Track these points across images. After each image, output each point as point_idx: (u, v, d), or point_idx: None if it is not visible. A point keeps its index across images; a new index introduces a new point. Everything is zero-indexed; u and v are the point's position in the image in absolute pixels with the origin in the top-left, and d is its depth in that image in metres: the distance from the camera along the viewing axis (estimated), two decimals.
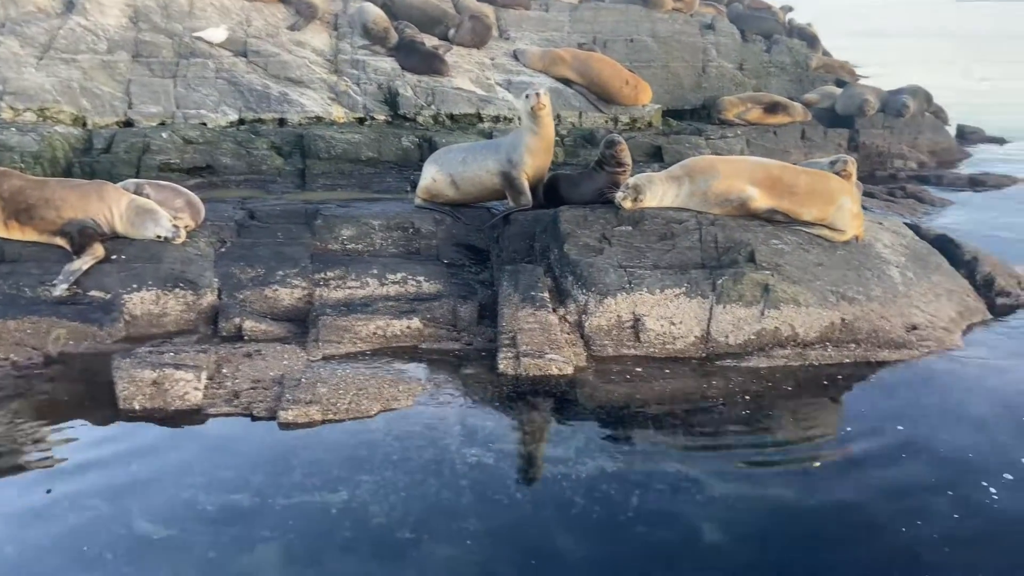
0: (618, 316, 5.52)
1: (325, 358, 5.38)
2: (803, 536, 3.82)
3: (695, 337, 5.48)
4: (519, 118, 10.43)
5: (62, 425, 4.65)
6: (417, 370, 5.28)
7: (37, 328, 5.35)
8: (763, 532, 3.83)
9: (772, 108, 11.48)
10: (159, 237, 6.06)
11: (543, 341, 5.31)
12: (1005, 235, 8.61)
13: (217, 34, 10.53)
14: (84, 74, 9.71)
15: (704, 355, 5.47)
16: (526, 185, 6.89)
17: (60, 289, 5.66)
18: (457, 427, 4.64)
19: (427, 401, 4.88)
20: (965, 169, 12.14)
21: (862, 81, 15.25)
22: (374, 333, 5.62)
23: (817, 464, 4.37)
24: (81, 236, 5.90)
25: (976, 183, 10.95)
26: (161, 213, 6.12)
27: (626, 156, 6.58)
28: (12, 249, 5.96)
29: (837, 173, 6.37)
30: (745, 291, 5.48)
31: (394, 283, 6.26)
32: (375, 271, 6.32)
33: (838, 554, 3.70)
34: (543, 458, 4.45)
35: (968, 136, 14.64)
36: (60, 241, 5.94)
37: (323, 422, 4.61)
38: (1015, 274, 6.78)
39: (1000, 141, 14.71)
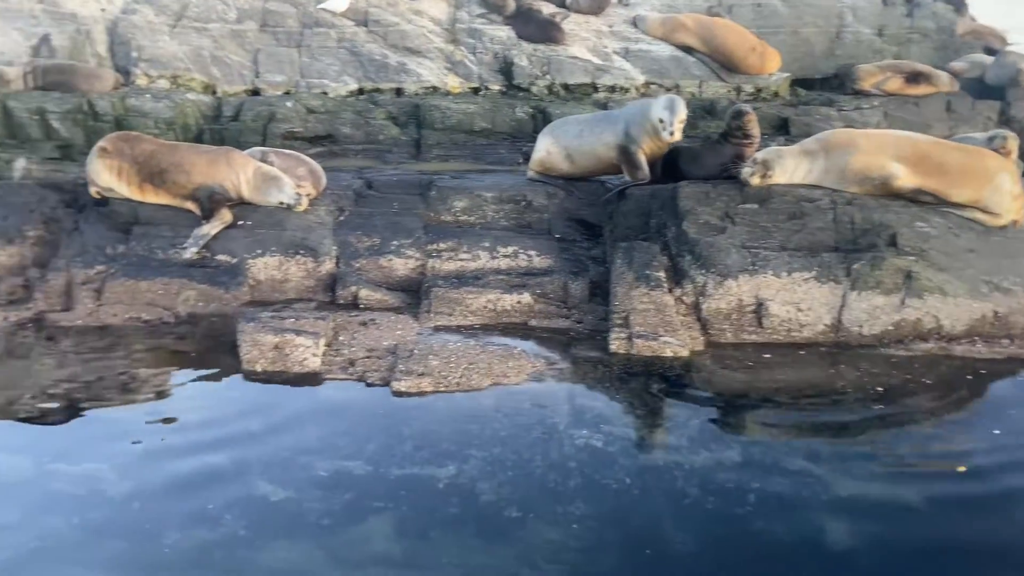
0: (739, 299, 5.24)
1: (436, 329, 5.38)
2: (938, 547, 3.51)
3: (824, 325, 5.13)
4: (637, 88, 10.14)
5: (189, 382, 4.87)
6: (527, 347, 5.20)
7: (168, 289, 5.61)
8: (893, 539, 3.55)
9: (914, 78, 10.58)
10: (282, 204, 6.22)
11: (657, 322, 5.11)
12: None
13: (340, 4, 10.69)
14: (215, 42, 10.10)
15: (834, 344, 5.12)
16: (643, 160, 6.63)
17: (190, 252, 5.90)
18: (566, 407, 4.54)
19: (537, 379, 4.80)
20: None
21: (1013, 48, 13.88)
22: (484, 307, 5.58)
23: (962, 468, 3.99)
24: (211, 201, 6.12)
25: None
26: (285, 180, 6.27)
27: (755, 128, 6.20)
28: (145, 212, 6.26)
29: (995, 150, 5.77)
30: (884, 277, 5.06)
31: (505, 256, 6.19)
32: (486, 244, 6.27)
33: (979, 573, 3.37)
34: (655, 444, 4.29)
35: None
36: (190, 205, 6.19)
37: (434, 393, 4.61)
38: None
39: None
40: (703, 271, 5.33)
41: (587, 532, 3.56)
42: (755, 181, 5.57)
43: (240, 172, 6.24)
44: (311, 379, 4.80)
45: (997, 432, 4.25)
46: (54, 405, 4.54)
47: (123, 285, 5.57)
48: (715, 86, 10.35)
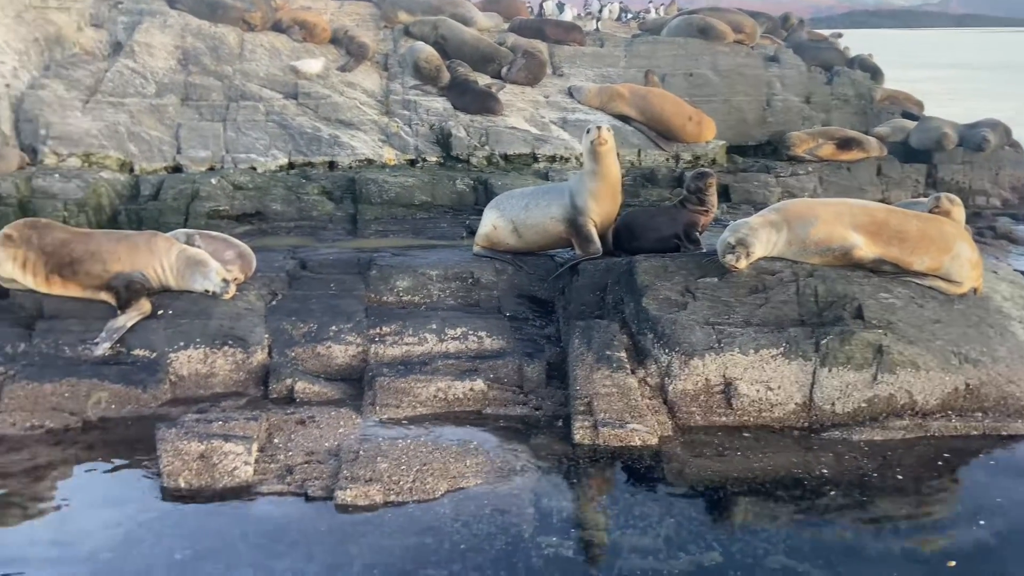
0: (706, 379, 4.95)
1: (383, 424, 4.92)
2: None
3: (796, 404, 4.88)
4: (577, 158, 10.05)
5: (101, 501, 4.25)
6: (484, 440, 4.78)
7: (76, 391, 5.01)
8: None
9: (845, 144, 10.85)
10: (207, 292, 5.70)
11: (623, 408, 4.77)
12: None
13: (313, 65, 10.37)
14: (132, 118, 9.56)
15: (806, 424, 4.87)
16: (594, 232, 6.40)
17: (102, 348, 5.31)
18: (531, 510, 4.12)
19: (496, 478, 4.37)
20: None
21: (930, 113, 14.53)
22: (434, 396, 5.15)
23: (952, 564, 3.72)
24: (128, 291, 5.56)
25: None
26: (212, 266, 5.76)
27: (713, 195, 6.08)
28: (51, 305, 5.65)
29: (929, 211, 5.74)
30: (854, 352, 4.86)
31: (454, 339, 5.80)
32: (433, 326, 5.86)
33: None
34: (630, 549, 3.88)
35: None
36: (104, 296, 5.61)
37: (384, 504, 4.12)
38: None
39: None
40: (667, 350, 5.04)
41: None
42: (742, 265, 5.27)
43: (163, 258, 5.72)
44: (243, 492, 4.24)
45: (982, 523, 4.01)
46: None
47: (24, 389, 4.94)
48: (654, 154, 10.36)
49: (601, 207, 6.42)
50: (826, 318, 5.11)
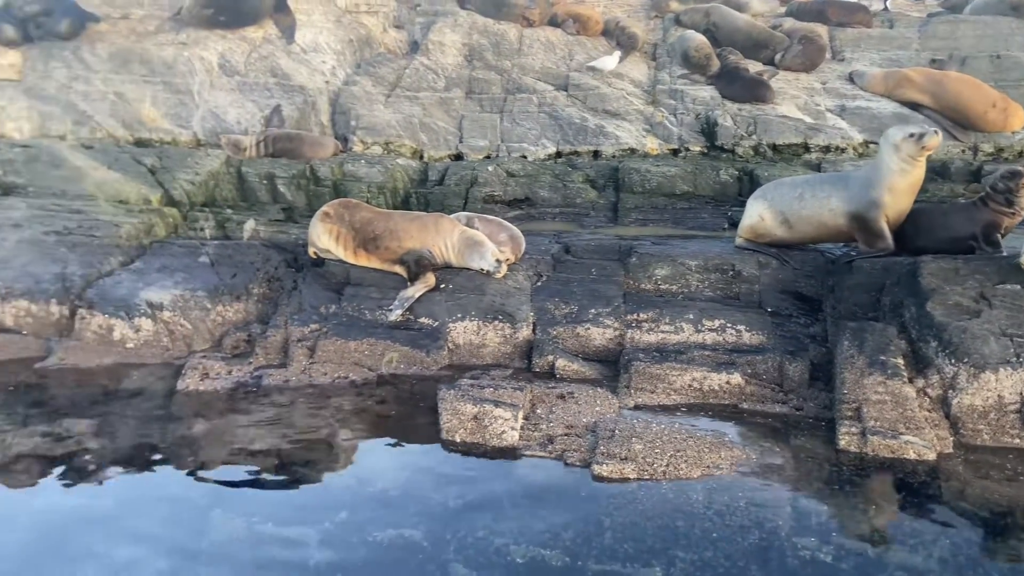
0: (999, 396, 4.47)
1: (637, 407, 5.08)
2: None
3: None
4: (855, 148, 9.38)
5: (391, 448, 4.87)
6: (740, 435, 4.75)
7: (374, 350, 5.73)
8: None
9: None
10: (483, 270, 6.23)
11: (896, 417, 4.48)
12: None
13: (610, 62, 10.87)
14: (424, 110, 10.60)
15: None
16: (886, 228, 6.00)
17: (395, 315, 6.03)
18: (787, 509, 4.04)
19: (752, 473, 4.33)
20: None
21: None
22: (689, 385, 5.20)
23: None
24: (417, 265, 6.26)
25: None
26: (488, 247, 6.28)
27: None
28: (356, 273, 6.51)
29: None
30: None
31: (711, 331, 5.78)
32: (691, 316, 5.89)
33: None
34: (898, 565, 3.67)
35: None
36: (398, 269, 6.36)
37: (638, 481, 4.28)
38: None
39: None
40: (953, 360, 4.62)
41: None
42: None
43: (447, 237, 6.35)
44: (508, 454, 4.64)
45: None
46: (267, 464, 4.68)
47: (333, 344, 5.76)
48: (947, 145, 9.35)
49: (897, 203, 6.02)
50: None
